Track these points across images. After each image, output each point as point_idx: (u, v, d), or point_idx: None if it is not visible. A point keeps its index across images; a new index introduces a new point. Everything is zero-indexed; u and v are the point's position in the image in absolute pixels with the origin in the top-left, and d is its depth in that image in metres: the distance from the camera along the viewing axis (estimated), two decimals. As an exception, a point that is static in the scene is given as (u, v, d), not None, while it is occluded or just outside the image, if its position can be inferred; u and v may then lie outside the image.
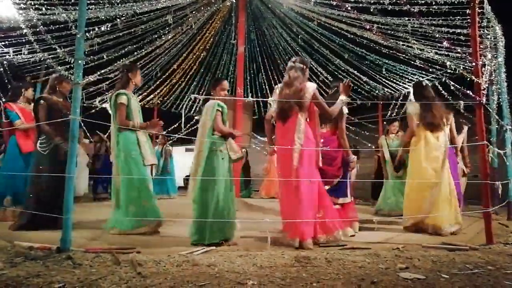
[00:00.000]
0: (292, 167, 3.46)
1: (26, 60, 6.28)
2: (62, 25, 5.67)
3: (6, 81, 6.24)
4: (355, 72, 8.64)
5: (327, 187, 3.88)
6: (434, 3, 4.70)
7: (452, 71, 5.52)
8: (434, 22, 5.11)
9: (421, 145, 4.36)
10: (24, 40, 5.67)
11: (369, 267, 2.66)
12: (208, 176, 3.46)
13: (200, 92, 11.14)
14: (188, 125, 11.75)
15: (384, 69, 7.79)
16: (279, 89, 3.81)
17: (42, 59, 5.99)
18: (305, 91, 3.61)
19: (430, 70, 6.64)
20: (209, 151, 3.52)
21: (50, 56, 5.69)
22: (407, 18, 5.42)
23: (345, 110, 4.10)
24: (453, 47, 5.31)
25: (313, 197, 3.50)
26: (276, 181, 8.81)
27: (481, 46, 4.19)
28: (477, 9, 3.79)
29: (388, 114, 8.63)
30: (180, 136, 8.61)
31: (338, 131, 4.11)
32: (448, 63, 5.05)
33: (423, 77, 7.65)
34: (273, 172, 9.82)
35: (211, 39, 9.95)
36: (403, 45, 6.06)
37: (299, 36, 8.74)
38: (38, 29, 5.37)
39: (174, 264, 2.59)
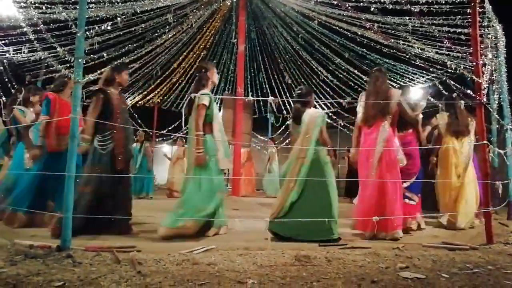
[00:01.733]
0: (375, 167, 3.85)
1: (26, 58, 6.28)
2: (62, 24, 5.67)
3: (6, 79, 6.25)
4: (356, 71, 8.63)
5: (406, 184, 4.30)
6: (434, 2, 4.70)
7: (452, 71, 5.51)
8: (434, 21, 5.10)
9: (450, 151, 4.79)
10: (24, 39, 5.67)
11: (369, 266, 2.66)
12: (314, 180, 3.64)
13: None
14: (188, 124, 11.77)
15: (385, 68, 7.78)
16: (364, 96, 4.12)
17: (42, 57, 5.99)
18: (391, 99, 3.98)
19: (431, 69, 6.63)
20: (313, 158, 3.71)
21: (50, 55, 5.69)
22: (407, 18, 5.42)
23: (420, 116, 4.55)
24: (453, 47, 5.31)
25: (397, 193, 3.87)
26: (246, 180, 8.84)
27: (481, 46, 4.19)
28: (478, 8, 3.79)
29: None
30: (180, 135, 8.59)
31: (416, 133, 4.57)
32: (448, 62, 5.05)
33: (423, 76, 7.65)
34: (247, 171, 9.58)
35: (212, 38, 9.95)
36: (403, 44, 6.05)
37: (300, 35, 8.73)
38: (38, 28, 5.37)
39: (174, 263, 2.59)
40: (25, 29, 5.00)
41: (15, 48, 5.92)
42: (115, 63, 4.07)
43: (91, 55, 5.83)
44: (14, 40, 5.82)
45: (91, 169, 3.64)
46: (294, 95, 4.02)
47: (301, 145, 3.72)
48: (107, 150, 3.71)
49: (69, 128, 3.84)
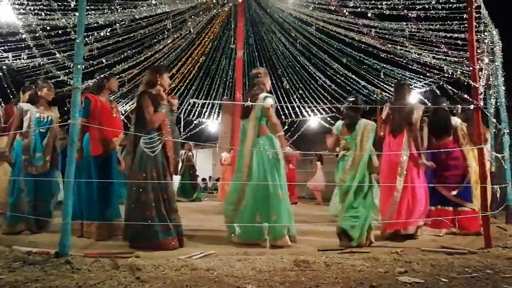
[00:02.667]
0: (403, 173, 4.17)
1: (25, 65, 6.29)
2: (61, 30, 5.69)
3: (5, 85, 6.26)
4: (353, 76, 8.66)
5: (454, 192, 4.57)
6: (431, 8, 4.73)
7: (449, 75, 5.54)
8: (431, 26, 5.14)
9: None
10: (23, 45, 5.68)
11: (368, 271, 2.66)
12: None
13: (199, 97, 11.16)
14: (187, 129, 11.77)
15: (382, 74, 7.82)
16: (388, 107, 4.40)
17: (41, 64, 6.01)
18: (413, 112, 4.23)
19: (428, 74, 6.66)
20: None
21: (49, 61, 5.70)
22: (404, 23, 5.45)
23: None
24: (450, 52, 5.34)
25: (422, 194, 4.22)
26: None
27: (478, 51, 4.22)
28: (474, 13, 3.82)
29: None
30: (179, 140, 8.59)
31: (455, 141, 4.76)
32: (445, 67, 5.08)
33: (420, 81, 7.68)
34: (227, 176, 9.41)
35: (210, 44, 9.99)
36: (400, 49, 6.08)
37: (298, 41, 8.77)
38: (37, 34, 5.38)
39: (173, 269, 2.59)
40: (24, 36, 5.01)
41: (14, 54, 5.93)
42: (155, 65, 4.05)
43: (90, 61, 5.84)
44: (13, 47, 5.84)
45: (140, 175, 3.50)
46: (346, 103, 4.12)
47: (355, 154, 3.87)
48: (156, 152, 3.56)
49: (112, 131, 3.99)
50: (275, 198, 3.68)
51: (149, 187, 3.43)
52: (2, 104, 5.20)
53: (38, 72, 6.73)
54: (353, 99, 4.10)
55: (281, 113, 11.23)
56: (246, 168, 3.86)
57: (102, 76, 4.02)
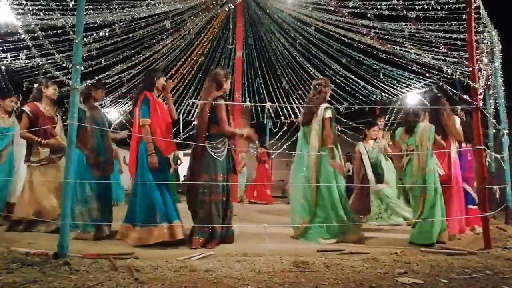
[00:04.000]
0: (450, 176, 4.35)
1: (23, 65, 6.28)
2: (60, 30, 5.67)
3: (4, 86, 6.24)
4: (353, 77, 8.66)
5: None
6: (430, 8, 4.73)
7: (449, 76, 5.55)
8: (430, 27, 5.14)
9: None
10: (22, 45, 5.66)
11: (367, 272, 2.65)
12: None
13: (198, 97, 11.12)
14: (186, 129, 11.75)
15: (381, 74, 7.82)
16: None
17: (40, 64, 5.99)
18: (452, 121, 4.41)
19: (427, 75, 6.67)
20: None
21: (48, 61, 5.69)
22: (404, 23, 5.45)
23: None
24: (449, 52, 5.34)
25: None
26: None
27: (477, 51, 4.22)
28: (473, 14, 3.82)
29: (385, 119, 8.59)
30: (178, 141, 8.56)
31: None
32: (445, 68, 5.08)
33: (420, 82, 7.69)
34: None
35: (209, 44, 9.98)
36: (400, 50, 6.09)
37: (297, 41, 8.77)
38: (36, 34, 5.37)
39: (172, 270, 2.58)
40: (22, 36, 5.00)
41: (12, 55, 5.91)
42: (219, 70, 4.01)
43: (89, 61, 5.83)
44: (11, 47, 5.82)
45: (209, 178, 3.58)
46: (407, 109, 4.33)
47: (417, 157, 3.95)
48: (223, 156, 3.67)
49: (168, 131, 3.87)
50: (344, 202, 4.06)
51: (213, 189, 3.55)
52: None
53: (36, 72, 6.72)
54: (411, 110, 4.25)
55: (280, 113, 11.23)
56: (314, 175, 4.04)
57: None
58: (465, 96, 3.91)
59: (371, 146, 5.82)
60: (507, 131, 5.54)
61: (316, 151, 4.03)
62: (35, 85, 4.51)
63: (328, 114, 4.06)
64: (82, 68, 3.08)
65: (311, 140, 4.10)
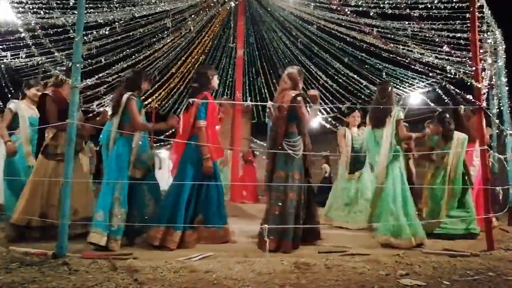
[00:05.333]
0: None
1: (23, 63, 6.26)
2: (60, 29, 5.66)
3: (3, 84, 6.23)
4: (355, 76, 8.63)
5: None
6: (434, 7, 4.70)
7: (452, 76, 5.52)
8: (434, 26, 5.11)
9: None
10: (22, 44, 5.65)
11: (369, 274, 2.63)
12: None
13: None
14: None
15: (384, 73, 7.79)
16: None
17: (40, 62, 5.98)
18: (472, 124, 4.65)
19: (430, 74, 6.63)
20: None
21: (48, 60, 5.67)
22: (407, 22, 5.42)
23: None
24: (453, 52, 5.30)
25: None
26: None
27: (481, 51, 4.19)
28: (477, 13, 3.79)
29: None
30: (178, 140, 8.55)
31: None
32: (448, 67, 5.05)
33: (423, 81, 7.65)
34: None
35: (210, 43, 9.95)
36: (403, 49, 6.06)
37: (299, 40, 8.74)
38: (36, 33, 5.35)
39: (172, 271, 2.56)
40: (22, 34, 4.98)
41: (12, 53, 5.90)
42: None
43: (89, 60, 5.81)
44: (11, 45, 5.81)
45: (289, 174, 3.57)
46: (443, 117, 4.61)
47: (452, 161, 4.42)
48: (300, 155, 3.64)
49: (217, 135, 3.77)
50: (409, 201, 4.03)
51: (290, 188, 3.51)
52: (0, 103, 5.05)
53: (36, 71, 6.71)
54: (444, 115, 4.54)
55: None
56: (382, 175, 4.05)
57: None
58: (468, 96, 3.88)
59: (355, 133, 5.59)
60: (511, 132, 5.50)
61: (388, 152, 4.03)
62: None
63: (402, 115, 4.17)
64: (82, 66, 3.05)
65: (384, 142, 4.09)
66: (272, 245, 3.34)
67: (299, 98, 3.65)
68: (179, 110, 11.38)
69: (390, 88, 4.27)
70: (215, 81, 3.92)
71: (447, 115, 4.60)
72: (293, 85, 3.78)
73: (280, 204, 3.49)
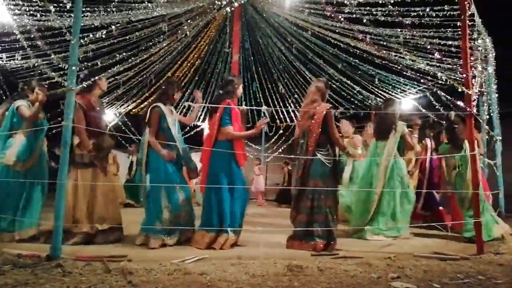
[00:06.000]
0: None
1: (19, 66, 6.23)
2: (56, 31, 5.65)
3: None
4: (348, 81, 8.70)
5: None
6: (426, 15, 4.77)
7: (443, 82, 5.59)
8: (425, 33, 5.18)
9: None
10: (17, 46, 5.63)
11: (361, 276, 2.66)
12: None
13: (194, 100, 11.12)
14: (182, 132, 11.74)
15: (376, 79, 7.86)
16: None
17: (35, 65, 5.96)
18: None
19: (422, 81, 6.71)
20: None
21: (43, 62, 5.65)
22: (399, 30, 5.49)
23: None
24: (444, 59, 5.38)
25: None
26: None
27: (471, 58, 4.26)
28: (468, 21, 3.86)
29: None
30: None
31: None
32: (439, 74, 5.11)
33: (414, 88, 7.73)
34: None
35: (206, 48, 9.99)
36: (395, 55, 6.12)
37: (293, 46, 8.80)
38: (32, 35, 5.34)
39: (166, 273, 2.57)
40: (18, 36, 4.97)
41: (8, 55, 5.88)
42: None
43: (85, 63, 5.80)
44: (7, 47, 5.78)
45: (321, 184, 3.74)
46: (452, 127, 4.78)
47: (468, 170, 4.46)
48: (331, 164, 3.80)
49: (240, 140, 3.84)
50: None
51: (324, 194, 3.71)
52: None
53: (32, 73, 6.68)
54: (458, 128, 4.65)
55: (276, 117, 11.25)
56: (381, 183, 4.54)
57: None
58: (459, 102, 3.95)
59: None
60: (500, 137, 5.59)
61: (389, 162, 4.52)
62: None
63: (406, 130, 4.74)
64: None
65: (386, 152, 4.58)
66: (320, 247, 3.58)
67: (332, 111, 3.89)
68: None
69: (393, 104, 4.68)
70: (240, 91, 4.08)
71: (457, 125, 4.70)
72: (322, 97, 3.98)
73: (322, 210, 3.69)
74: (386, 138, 4.60)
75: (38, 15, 5.14)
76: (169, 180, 3.76)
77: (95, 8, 5.55)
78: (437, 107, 6.44)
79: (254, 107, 10.68)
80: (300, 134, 3.94)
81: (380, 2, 4.75)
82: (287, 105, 10.59)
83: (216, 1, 6.73)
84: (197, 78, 10.76)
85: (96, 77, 3.87)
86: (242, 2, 6.36)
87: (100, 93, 4.12)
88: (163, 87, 4.10)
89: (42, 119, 4.21)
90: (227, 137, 3.76)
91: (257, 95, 11.08)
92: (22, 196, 3.86)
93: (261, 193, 10.55)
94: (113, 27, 5.53)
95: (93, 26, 5.66)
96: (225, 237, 3.64)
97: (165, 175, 3.77)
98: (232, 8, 7.00)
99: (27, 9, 5.01)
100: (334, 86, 8.93)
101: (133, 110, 10.91)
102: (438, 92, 6.66)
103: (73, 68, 3.00)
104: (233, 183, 3.73)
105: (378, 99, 8.67)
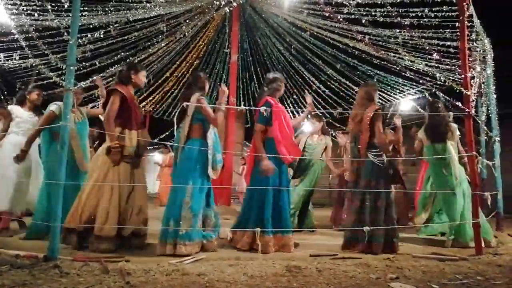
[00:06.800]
0: None
1: (17, 65, 6.22)
2: (54, 31, 5.64)
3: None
4: (347, 82, 8.71)
5: None
6: (424, 16, 4.78)
7: (442, 83, 5.60)
8: (424, 34, 5.19)
9: None
10: (15, 46, 5.62)
11: (359, 277, 2.65)
12: None
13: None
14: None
15: (375, 80, 7.87)
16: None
17: (33, 65, 5.95)
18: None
19: (420, 81, 6.73)
20: None
21: (41, 62, 5.64)
22: (398, 30, 5.51)
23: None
24: (443, 59, 5.39)
25: None
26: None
27: (470, 59, 4.27)
28: (466, 22, 3.87)
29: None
30: (172, 143, 8.53)
31: None
32: (438, 74, 5.13)
33: (413, 88, 7.75)
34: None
35: (205, 48, 9.98)
36: (394, 56, 6.14)
37: (292, 46, 8.81)
38: (30, 35, 5.33)
39: (164, 273, 2.56)
40: (16, 36, 4.96)
41: (6, 55, 5.86)
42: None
43: (83, 63, 5.80)
44: (5, 47, 5.77)
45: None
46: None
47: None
48: (385, 164, 3.80)
49: (291, 137, 3.80)
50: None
51: (380, 195, 3.69)
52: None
53: (30, 73, 6.67)
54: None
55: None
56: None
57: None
58: (457, 103, 3.96)
59: (314, 141, 5.40)
60: (499, 138, 5.59)
61: (458, 163, 4.35)
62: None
63: (457, 131, 4.56)
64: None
65: (451, 155, 4.36)
66: (379, 248, 3.57)
67: (380, 112, 3.87)
68: (172, 114, 11.36)
69: (442, 106, 4.54)
70: (282, 89, 4.01)
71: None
72: (370, 101, 3.94)
73: (379, 212, 3.67)
74: (443, 140, 4.43)
75: (36, 14, 5.13)
76: (193, 176, 3.49)
77: (93, 8, 5.54)
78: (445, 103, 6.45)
79: (252, 107, 10.69)
80: (351, 139, 4.01)
81: (379, 2, 4.75)
82: (286, 105, 10.59)
83: (214, 1, 6.73)
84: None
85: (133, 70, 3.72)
86: (241, 2, 6.36)
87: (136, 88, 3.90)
88: (192, 80, 3.87)
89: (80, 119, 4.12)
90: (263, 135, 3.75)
91: (256, 95, 11.07)
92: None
93: (244, 193, 10.42)
94: (111, 27, 5.52)
95: (91, 26, 5.65)
96: (289, 238, 3.64)
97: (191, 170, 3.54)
98: (231, 8, 7.01)
99: (25, 9, 4.99)
100: (333, 86, 8.94)
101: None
102: (437, 92, 6.67)
103: (71, 68, 2.98)
104: (280, 181, 3.70)
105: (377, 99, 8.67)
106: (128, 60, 6.67)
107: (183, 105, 3.62)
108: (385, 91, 8.51)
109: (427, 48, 5.34)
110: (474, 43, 4.83)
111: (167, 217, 3.36)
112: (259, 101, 3.87)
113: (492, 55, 5.58)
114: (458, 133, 4.54)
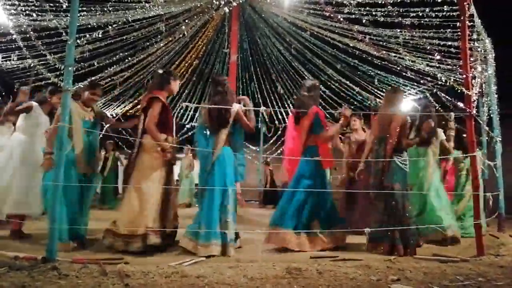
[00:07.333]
0: None
1: (15, 66, 6.19)
2: (52, 32, 5.62)
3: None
4: (348, 82, 8.69)
5: None
6: (425, 16, 4.77)
7: (443, 83, 5.59)
8: (425, 34, 5.17)
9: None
10: (13, 46, 5.60)
11: (360, 279, 2.63)
12: None
13: (192, 101, 11.11)
14: (180, 133, 11.71)
15: (376, 80, 7.85)
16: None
17: (31, 65, 5.93)
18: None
19: (421, 81, 6.71)
20: None
21: (40, 63, 5.62)
22: (399, 30, 5.48)
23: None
24: (444, 59, 5.37)
25: None
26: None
27: (471, 59, 4.25)
28: (467, 22, 3.85)
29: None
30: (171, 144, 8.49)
31: None
32: (439, 75, 5.11)
33: (414, 88, 7.73)
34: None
35: (204, 48, 9.96)
36: (395, 56, 6.11)
37: (292, 46, 8.79)
38: (28, 35, 5.30)
39: (163, 276, 2.54)
40: (14, 36, 4.94)
41: (4, 55, 5.84)
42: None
43: (82, 63, 5.78)
44: (3, 47, 5.75)
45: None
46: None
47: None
48: (407, 168, 3.92)
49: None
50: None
51: (399, 197, 3.78)
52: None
53: (28, 73, 6.65)
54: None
55: (275, 118, 11.24)
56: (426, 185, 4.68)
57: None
58: (459, 103, 3.94)
59: None
60: (500, 138, 5.57)
61: (433, 166, 4.70)
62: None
63: (443, 135, 4.97)
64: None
65: (429, 159, 4.71)
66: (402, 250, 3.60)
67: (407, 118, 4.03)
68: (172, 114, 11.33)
69: (433, 110, 4.82)
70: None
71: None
72: (397, 104, 4.07)
73: (397, 212, 3.74)
74: (428, 144, 4.72)
75: (34, 15, 5.11)
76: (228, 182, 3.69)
77: (92, 8, 5.52)
78: (437, 107, 6.43)
79: (252, 108, 10.68)
80: (376, 142, 4.04)
81: (380, 2, 4.73)
82: (286, 105, 10.58)
83: (214, 1, 6.70)
84: (194, 79, 10.74)
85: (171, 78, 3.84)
86: (240, 1, 6.34)
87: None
88: (226, 89, 3.97)
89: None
90: (324, 141, 4.04)
91: (255, 95, 11.07)
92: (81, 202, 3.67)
93: (240, 194, 10.35)
94: (110, 27, 5.50)
95: (89, 26, 5.64)
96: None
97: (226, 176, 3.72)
98: (230, 8, 6.98)
99: (23, 9, 4.97)
100: (333, 86, 8.92)
101: (130, 111, 10.88)
102: (438, 93, 6.65)
103: (70, 68, 2.96)
104: (322, 185, 3.90)
105: (378, 100, 8.66)
106: (127, 60, 6.65)
107: (228, 109, 3.73)
108: (386, 91, 8.48)
109: (428, 48, 5.31)
110: (475, 43, 4.81)
111: (205, 219, 3.47)
112: (304, 107, 4.03)
113: (493, 55, 5.57)
114: (443, 136, 4.95)
